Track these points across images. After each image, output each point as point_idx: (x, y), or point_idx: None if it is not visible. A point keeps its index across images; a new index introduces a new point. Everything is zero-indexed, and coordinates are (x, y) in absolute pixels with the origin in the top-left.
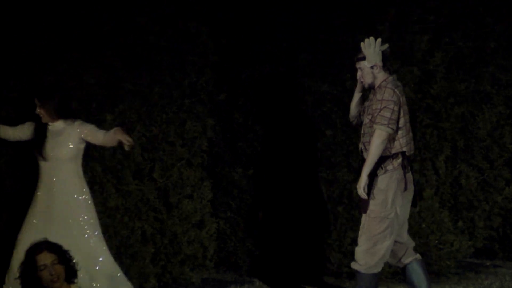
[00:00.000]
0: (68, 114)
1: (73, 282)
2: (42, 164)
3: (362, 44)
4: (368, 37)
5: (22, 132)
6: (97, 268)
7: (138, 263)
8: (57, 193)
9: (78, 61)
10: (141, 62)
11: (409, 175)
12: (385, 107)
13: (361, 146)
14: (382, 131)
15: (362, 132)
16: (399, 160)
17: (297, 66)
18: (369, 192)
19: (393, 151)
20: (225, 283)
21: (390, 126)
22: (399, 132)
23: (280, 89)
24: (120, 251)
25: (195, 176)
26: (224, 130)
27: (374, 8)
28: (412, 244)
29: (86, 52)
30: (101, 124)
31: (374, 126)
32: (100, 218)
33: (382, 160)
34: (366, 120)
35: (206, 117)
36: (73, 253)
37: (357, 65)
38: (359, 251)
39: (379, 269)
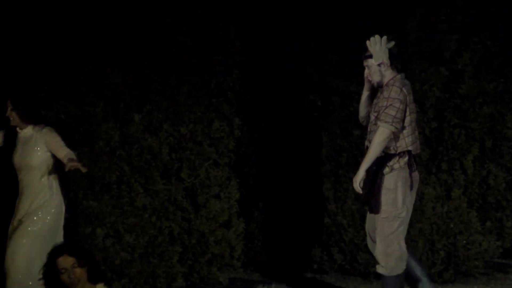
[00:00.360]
0: (38, 119)
1: (98, 283)
2: (17, 171)
3: (367, 42)
4: (377, 35)
5: None
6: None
7: (166, 262)
8: (26, 199)
9: (106, 61)
10: (169, 62)
11: (416, 174)
12: (390, 105)
13: (367, 143)
14: (385, 128)
15: (369, 130)
16: (406, 158)
17: (325, 66)
18: (375, 191)
19: (399, 149)
20: (253, 283)
21: (394, 124)
22: (405, 130)
23: (307, 89)
24: (148, 250)
25: (222, 176)
26: (251, 130)
27: (402, 8)
28: None
29: (114, 52)
30: (129, 123)
31: (378, 123)
32: (127, 218)
33: (388, 159)
34: (372, 117)
35: (233, 116)
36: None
37: (365, 63)
38: (377, 253)
39: (402, 270)
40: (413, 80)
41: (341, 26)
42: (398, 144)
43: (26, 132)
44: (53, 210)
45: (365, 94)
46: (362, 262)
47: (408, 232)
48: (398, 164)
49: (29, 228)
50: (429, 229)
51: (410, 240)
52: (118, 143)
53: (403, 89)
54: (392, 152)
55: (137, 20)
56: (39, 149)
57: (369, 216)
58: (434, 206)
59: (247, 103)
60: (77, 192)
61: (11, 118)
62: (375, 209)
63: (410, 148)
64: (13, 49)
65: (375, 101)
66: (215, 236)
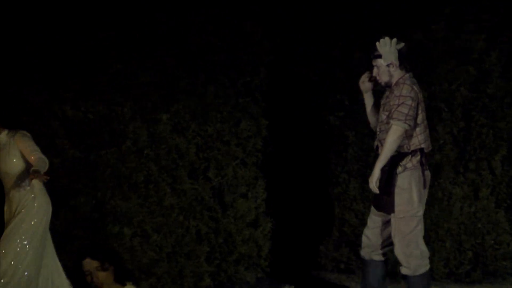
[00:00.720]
0: (13, 124)
1: (126, 283)
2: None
3: (377, 43)
4: (386, 37)
5: None
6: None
7: (193, 262)
8: (12, 203)
9: (133, 60)
10: (196, 61)
11: (427, 173)
12: (402, 103)
13: (377, 143)
14: (398, 126)
15: (379, 129)
16: (418, 157)
17: (352, 65)
18: (389, 191)
19: (412, 148)
20: (279, 282)
21: (407, 122)
22: (417, 128)
23: (335, 89)
24: (175, 250)
25: (249, 176)
26: (278, 130)
27: (429, 7)
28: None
29: (142, 51)
30: (156, 123)
31: (391, 121)
32: (155, 217)
33: (400, 158)
34: (383, 117)
35: (261, 116)
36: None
37: (374, 63)
38: (397, 254)
39: (425, 269)
40: (441, 79)
41: (369, 26)
42: (411, 143)
43: (1, 138)
44: (37, 212)
45: (369, 104)
46: (390, 262)
47: (436, 232)
48: (411, 163)
49: (14, 231)
50: (457, 229)
51: (437, 240)
52: (145, 142)
53: (414, 87)
54: (406, 150)
55: (165, 20)
56: (14, 155)
57: (374, 214)
58: (462, 206)
59: (274, 103)
60: (104, 192)
61: None
62: (388, 209)
63: (423, 145)
64: (42, 48)
65: (383, 101)
66: (243, 235)
